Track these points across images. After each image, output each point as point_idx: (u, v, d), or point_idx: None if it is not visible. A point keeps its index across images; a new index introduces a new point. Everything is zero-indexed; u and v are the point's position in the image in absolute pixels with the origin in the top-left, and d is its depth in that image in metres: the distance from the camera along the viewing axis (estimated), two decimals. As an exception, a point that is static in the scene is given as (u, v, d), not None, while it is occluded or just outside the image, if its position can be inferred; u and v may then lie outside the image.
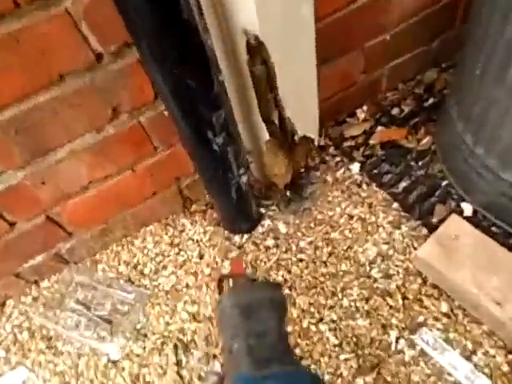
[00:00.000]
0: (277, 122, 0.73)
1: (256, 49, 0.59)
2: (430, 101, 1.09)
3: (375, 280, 0.83)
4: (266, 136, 0.78)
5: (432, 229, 0.85)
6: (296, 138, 0.80)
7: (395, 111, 1.10)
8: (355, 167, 1.01)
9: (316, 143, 0.88)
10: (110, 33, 0.60)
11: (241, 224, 0.92)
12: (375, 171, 0.99)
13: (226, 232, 0.97)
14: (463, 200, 0.89)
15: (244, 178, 0.79)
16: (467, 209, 0.88)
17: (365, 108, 1.11)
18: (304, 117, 0.78)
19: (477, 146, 0.77)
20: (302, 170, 1.04)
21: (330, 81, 0.97)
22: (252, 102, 0.71)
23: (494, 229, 0.85)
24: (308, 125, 0.81)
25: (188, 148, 0.72)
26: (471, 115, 0.76)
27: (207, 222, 1.00)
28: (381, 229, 0.90)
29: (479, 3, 0.68)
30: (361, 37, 0.93)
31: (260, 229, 0.96)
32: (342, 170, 1.02)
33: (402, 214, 0.91)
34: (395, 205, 0.93)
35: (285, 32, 0.60)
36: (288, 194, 1.01)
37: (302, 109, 0.76)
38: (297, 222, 0.96)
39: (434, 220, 0.88)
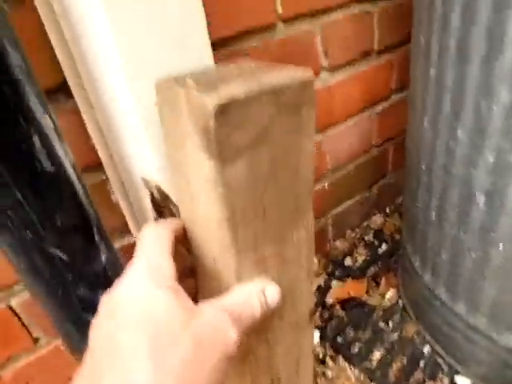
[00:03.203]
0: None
1: (162, 203, 0.45)
2: (383, 247, 1.00)
3: None
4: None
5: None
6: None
7: (348, 261, 0.97)
8: (314, 336, 0.80)
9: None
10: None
11: None
12: (339, 339, 0.79)
13: None
14: (457, 372, 0.69)
15: None
16: (465, 385, 0.67)
17: (315, 260, 0.98)
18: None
19: (455, 302, 0.63)
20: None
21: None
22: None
23: (507, 413, 0.63)
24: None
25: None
26: (438, 266, 0.64)
27: None
28: (362, 429, 0.65)
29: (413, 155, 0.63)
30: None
31: None
32: (298, 342, 0.80)
33: (386, 400, 0.68)
34: (374, 387, 0.70)
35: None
36: None
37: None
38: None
39: (429, 407, 0.65)
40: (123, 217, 0.59)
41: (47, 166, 0.34)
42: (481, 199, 0.49)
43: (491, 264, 0.53)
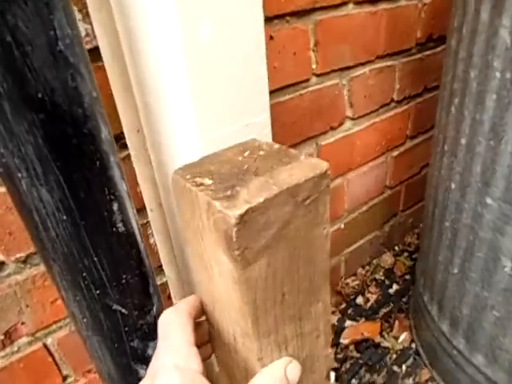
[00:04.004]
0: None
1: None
2: (394, 287, 1.02)
3: None
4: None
5: None
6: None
7: (360, 300, 0.99)
8: (331, 377, 0.81)
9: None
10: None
11: None
12: (354, 382, 0.80)
13: None
14: (471, 422, 0.71)
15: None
16: None
17: (327, 298, 1.00)
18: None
19: (474, 354, 0.65)
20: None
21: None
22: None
23: None
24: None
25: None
26: (458, 318, 0.66)
27: None
28: None
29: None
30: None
31: None
32: (313, 382, 0.81)
33: None
34: (389, 433, 0.71)
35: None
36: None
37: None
38: None
39: None
40: (158, 259, 0.61)
41: (120, 227, 0.36)
42: (507, 264, 0.52)
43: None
